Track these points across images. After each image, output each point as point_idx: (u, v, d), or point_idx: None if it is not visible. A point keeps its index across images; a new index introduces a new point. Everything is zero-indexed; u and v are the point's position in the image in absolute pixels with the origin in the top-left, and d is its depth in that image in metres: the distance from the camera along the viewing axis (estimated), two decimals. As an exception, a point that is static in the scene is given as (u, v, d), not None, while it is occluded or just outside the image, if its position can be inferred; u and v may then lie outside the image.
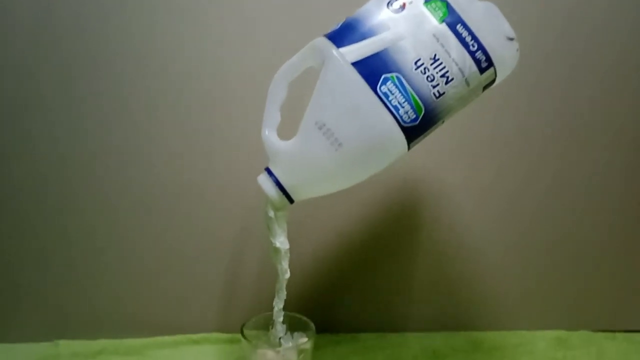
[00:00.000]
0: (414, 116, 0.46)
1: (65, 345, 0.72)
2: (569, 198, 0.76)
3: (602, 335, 0.78)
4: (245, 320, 0.55)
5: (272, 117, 0.50)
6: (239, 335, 0.53)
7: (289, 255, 0.54)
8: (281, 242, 0.53)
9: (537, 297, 0.78)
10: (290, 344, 0.55)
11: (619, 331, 0.78)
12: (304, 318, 0.56)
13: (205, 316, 0.75)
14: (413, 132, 0.47)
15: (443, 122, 0.49)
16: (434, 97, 0.46)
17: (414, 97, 0.46)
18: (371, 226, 0.74)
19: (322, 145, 0.47)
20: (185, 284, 0.74)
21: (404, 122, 0.46)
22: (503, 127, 0.73)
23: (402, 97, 0.46)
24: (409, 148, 0.48)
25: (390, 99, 0.46)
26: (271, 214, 0.52)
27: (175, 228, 0.72)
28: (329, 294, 0.76)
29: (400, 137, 0.47)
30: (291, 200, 0.51)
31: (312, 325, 0.55)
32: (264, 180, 0.51)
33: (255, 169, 0.52)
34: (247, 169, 0.56)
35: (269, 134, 0.50)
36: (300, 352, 0.53)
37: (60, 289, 0.72)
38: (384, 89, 0.45)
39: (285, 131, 0.50)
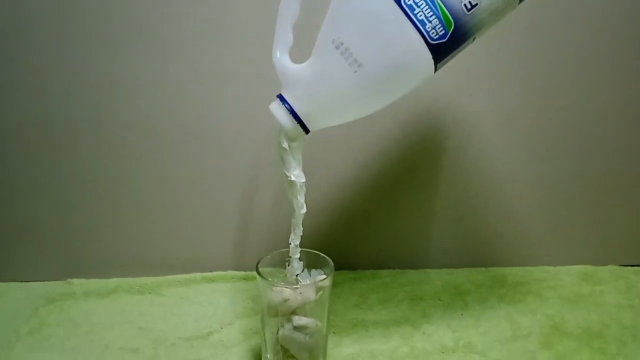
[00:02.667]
0: (443, 32, 0.41)
1: (79, 284, 0.72)
2: (596, 129, 0.72)
3: (630, 269, 0.76)
4: (261, 258, 0.52)
5: (283, 38, 0.46)
6: (255, 273, 0.51)
7: (304, 189, 0.50)
8: (296, 175, 0.49)
9: (563, 231, 0.77)
10: (308, 281, 0.53)
11: (649, 266, 0.76)
12: (322, 254, 0.54)
13: (220, 254, 0.74)
14: (441, 50, 0.42)
15: (474, 39, 0.44)
16: (465, 10, 0.41)
17: (442, 10, 0.41)
18: (391, 159, 0.72)
19: (340, 67, 0.43)
20: (199, 222, 0.73)
21: (431, 38, 0.41)
22: (529, 54, 0.69)
23: (429, 9, 0.41)
24: (435, 69, 0.44)
25: (416, 12, 0.41)
26: (285, 145, 0.48)
27: (188, 164, 0.71)
28: (348, 230, 0.74)
29: (427, 56, 0.42)
30: (306, 130, 0.47)
31: (330, 261, 0.53)
32: (277, 108, 0.47)
33: (267, 97, 0.48)
34: (258, 96, 0.52)
35: (281, 56, 0.46)
36: (319, 289, 0.50)
37: (73, 228, 0.72)
38: (409, 0, 0.40)
39: (300, 54, 0.46)
